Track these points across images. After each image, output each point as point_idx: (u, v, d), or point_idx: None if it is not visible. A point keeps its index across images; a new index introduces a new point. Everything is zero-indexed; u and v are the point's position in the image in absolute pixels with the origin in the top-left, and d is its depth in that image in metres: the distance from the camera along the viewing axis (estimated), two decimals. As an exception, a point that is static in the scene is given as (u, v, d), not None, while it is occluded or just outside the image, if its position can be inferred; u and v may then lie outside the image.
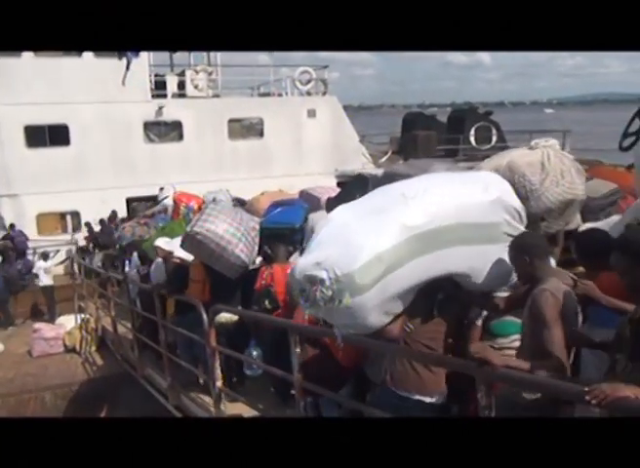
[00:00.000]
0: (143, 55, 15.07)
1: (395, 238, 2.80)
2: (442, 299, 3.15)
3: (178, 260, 5.85)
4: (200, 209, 7.72)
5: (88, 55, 14.16)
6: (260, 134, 17.00)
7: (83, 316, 10.50)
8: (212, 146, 16.24)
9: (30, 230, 14.30)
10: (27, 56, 13.52)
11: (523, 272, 2.86)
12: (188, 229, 4.97)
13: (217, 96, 17.12)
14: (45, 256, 12.23)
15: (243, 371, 4.81)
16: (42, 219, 14.49)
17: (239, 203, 6.82)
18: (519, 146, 4.52)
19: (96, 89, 14.54)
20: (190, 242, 4.92)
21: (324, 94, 17.78)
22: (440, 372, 3.07)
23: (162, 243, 6.11)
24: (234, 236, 4.80)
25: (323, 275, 2.76)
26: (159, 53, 16.83)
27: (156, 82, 16.18)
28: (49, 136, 14.53)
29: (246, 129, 17.32)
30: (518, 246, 2.86)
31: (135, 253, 7.52)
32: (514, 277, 3.06)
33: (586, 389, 2.01)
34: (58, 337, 10.24)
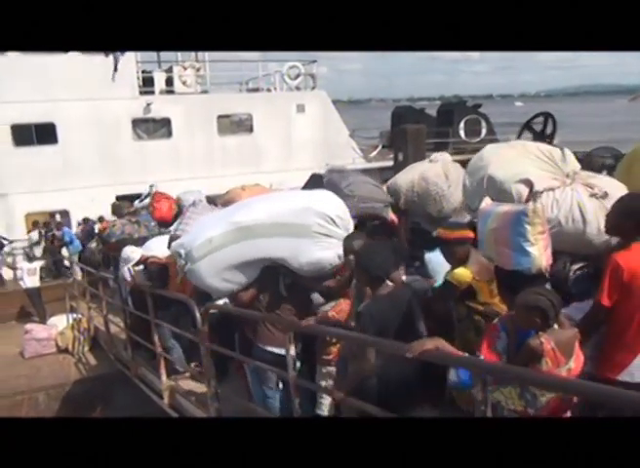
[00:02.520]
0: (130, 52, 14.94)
1: (222, 228, 4.14)
2: (288, 283, 4.15)
3: (156, 260, 6.08)
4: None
5: (74, 52, 14.03)
6: (250, 129, 16.94)
7: (75, 316, 10.43)
8: (201, 143, 16.16)
9: (19, 230, 14.22)
10: (12, 53, 13.34)
11: (348, 265, 3.81)
12: (172, 232, 5.54)
13: (205, 91, 17.03)
14: (29, 257, 12.05)
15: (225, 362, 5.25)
16: (31, 219, 14.35)
17: (211, 202, 6.83)
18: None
19: (82, 86, 14.41)
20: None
21: (313, 88, 17.74)
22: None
23: (129, 252, 6.70)
24: None
25: (181, 251, 4.34)
26: (146, 49, 16.69)
27: (144, 78, 16.06)
28: (36, 134, 14.41)
29: (235, 125, 17.25)
30: (343, 248, 3.85)
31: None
32: (328, 265, 4.01)
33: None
34: (50, 338, 10.18)
